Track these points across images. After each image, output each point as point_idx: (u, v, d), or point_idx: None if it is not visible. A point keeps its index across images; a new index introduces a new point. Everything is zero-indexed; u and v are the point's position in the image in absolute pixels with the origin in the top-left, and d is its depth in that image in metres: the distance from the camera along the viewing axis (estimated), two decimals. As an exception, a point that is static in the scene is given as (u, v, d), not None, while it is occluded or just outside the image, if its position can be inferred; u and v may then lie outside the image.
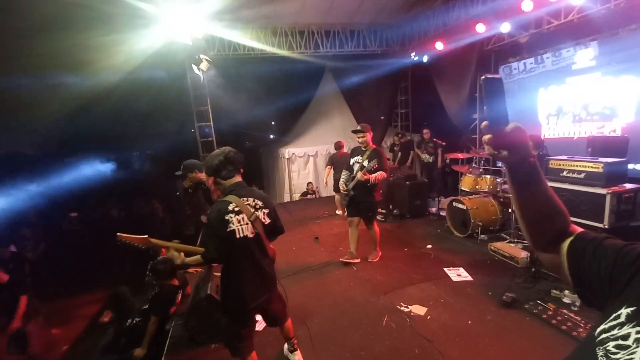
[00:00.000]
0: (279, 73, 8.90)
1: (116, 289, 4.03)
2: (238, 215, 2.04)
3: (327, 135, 9.36)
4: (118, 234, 2.26)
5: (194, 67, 6.79)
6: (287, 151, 9.18)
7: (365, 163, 4.03)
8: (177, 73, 7.75)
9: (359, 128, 4.16)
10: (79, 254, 8.10)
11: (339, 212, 6.99)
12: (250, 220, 2.08)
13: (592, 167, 3.32)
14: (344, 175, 4.39)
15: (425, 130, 7.75)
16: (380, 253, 4.63)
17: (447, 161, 7.45)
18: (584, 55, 5.39)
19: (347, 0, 6.76)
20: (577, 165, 3.44)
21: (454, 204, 5.37)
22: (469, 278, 3.92)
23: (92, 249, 8.21)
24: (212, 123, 8.04)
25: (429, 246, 4.98)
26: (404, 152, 8.27)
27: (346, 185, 4.28)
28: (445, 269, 4.14)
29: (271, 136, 14.32)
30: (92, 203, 10.25)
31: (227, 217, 2.01)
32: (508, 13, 5.56)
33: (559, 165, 3.62)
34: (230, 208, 2.03)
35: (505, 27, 5.73)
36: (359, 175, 4.02)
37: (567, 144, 5.77)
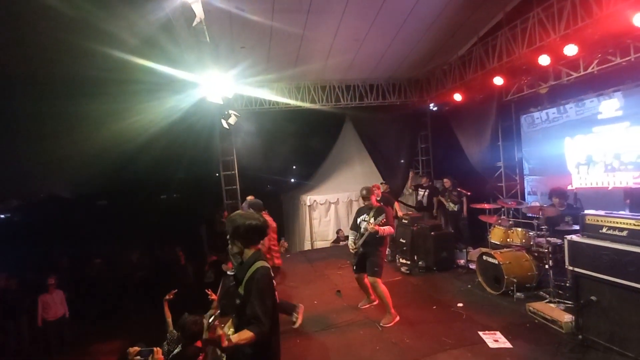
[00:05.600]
0: (301, 123, 9.36)
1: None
2: (274, 279, 2.03)
3: (348, 183, 9.45)
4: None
5: (223, 121, 7.24)
6: (308, 198, 9.26)
7: (372, 220, 4.20)
8: (206, 125, 8.32)
9: (364, 194, 4.43)
10: (100, 301, 8.16)
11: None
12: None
13: (635, 224, 3.10)
14: (351, 235, 4.60)
15: (445, 180, 7.61)
16: (397, 317, 4.28)
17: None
18: (609, 105, 5.34)
19: (366, 58, 7.19)
20: (618, 222, 3.23)
21: (484, 257, 5.09)
22: (508, 345, 3.58)
23: (113, 295, 8.27)
24: (236, 172, 8.36)
25: (460, 304, 4.65)
26: (429, 198, 8.10)
27: (355, 244, 4.45)
28: (480, 333, 3.81)
29: (292, 180, 14.66)
30: (118, 248, 10.52)
31: (274, 282, 1.98)
32: (525, 67, 5.69)
33: (597, 221, 3.41)
34: (271, 273, 1.99)
35: (523, 81, 5.84)
36: (370, 227, 4.15)
37: (601, 194, 5.50)
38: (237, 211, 2.19)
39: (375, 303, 4.73)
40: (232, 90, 6.34)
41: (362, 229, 4.37)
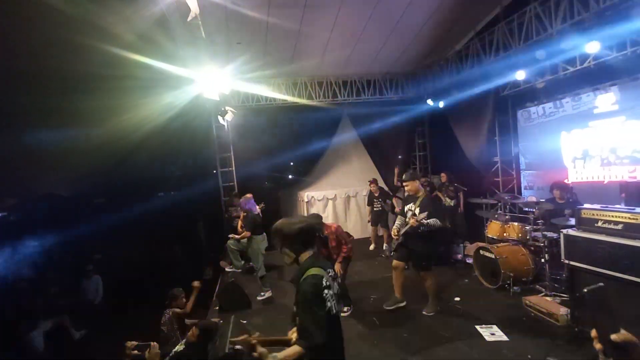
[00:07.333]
0: (298, 119, 9.30)
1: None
2: (330, 290, 1.83)
3: (345, 179, 9.43)
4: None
5: (219, 118, 7.21)
6: (306, 194, 9.24)
7: (417, 211, 3.99)
8: (203, 122, 8.29)
9: (404, 177, 4.27)
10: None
11: (371, 247, 7.63)
12: (336, 293, 1.88)
13: (630, 218, 3.13)
14: (398, 220, 4.41)
15: (442, 174, 7.66)
16: (437, 308, 4.33)
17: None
18: (605, 99, 5.35)
19: (363, 54, 7.15)
20: (613, 216, 3.26)
21: (481, 252, 5.13)
22: (504, 338, 3.61)
23: (112, 294, 8.24)
24: (234, 169, 8.34)
25: (457, 299, 4.69)
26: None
27: (398, 231, 4.25)
28: (477, 327, 3.84)
29: (289, 176, 14.63)
30: (115, 246, 10.47)
31: (324, 294, 1.78)
32: (521, 62, 5.69)
33: (593, 215, 3.44)
34: (324, 283, 1.81)
35: (520, 75, 5.85)
36: (411, 222, 3.93)
37: (597, 188, 5.54)
38: (281, 220, 2.01)
39: (402, 305, 4.48)
40: (228, 87, 6.31)
41: (406, 218, 4.13)
